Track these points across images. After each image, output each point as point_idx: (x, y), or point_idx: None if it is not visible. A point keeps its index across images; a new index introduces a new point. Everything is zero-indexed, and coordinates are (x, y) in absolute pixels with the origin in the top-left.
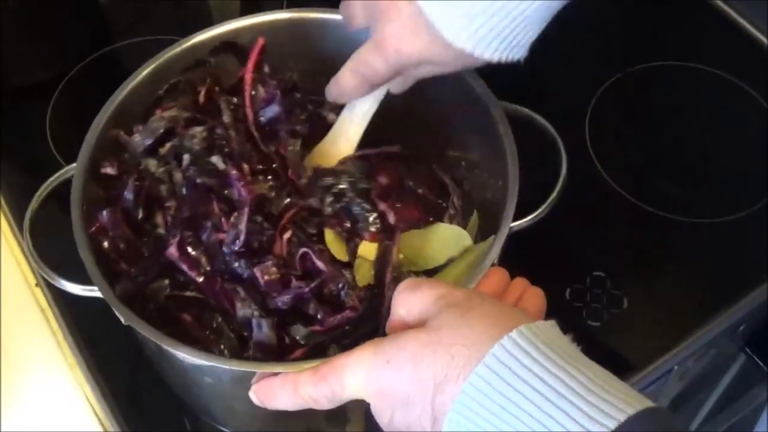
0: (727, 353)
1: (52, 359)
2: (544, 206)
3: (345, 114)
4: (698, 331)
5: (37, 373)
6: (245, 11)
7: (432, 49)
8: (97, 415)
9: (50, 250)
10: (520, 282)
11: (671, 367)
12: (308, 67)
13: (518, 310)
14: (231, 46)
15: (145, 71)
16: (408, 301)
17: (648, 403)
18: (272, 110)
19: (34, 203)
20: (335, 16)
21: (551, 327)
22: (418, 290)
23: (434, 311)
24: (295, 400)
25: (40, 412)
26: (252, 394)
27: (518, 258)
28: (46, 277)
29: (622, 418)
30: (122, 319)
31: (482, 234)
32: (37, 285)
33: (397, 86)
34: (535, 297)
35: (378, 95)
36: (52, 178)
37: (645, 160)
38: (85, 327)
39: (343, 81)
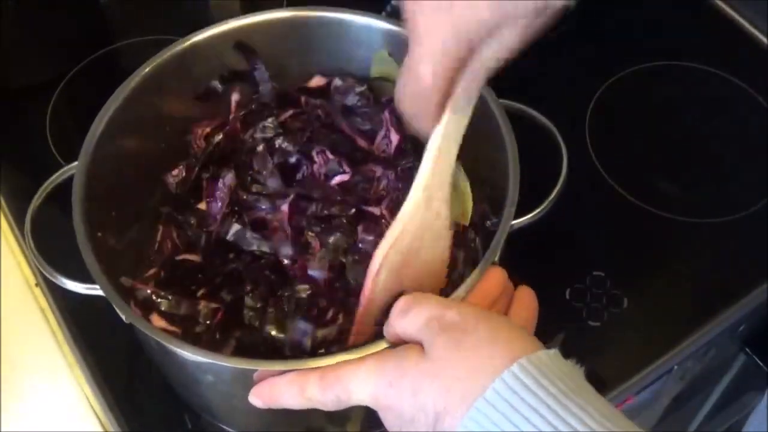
0: (727, 353)
1: (52, 359)
2: (544, 204)
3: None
4: (698, 331)
5: (37, 373)
6: (245, 11)
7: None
8: (97, 415)
9: (51, 248)
10: (509, 287)
11: (671, 367)
12: (308, 66)
13: (514, 333)
14: (241, 45)
15: (145, 70)
16: (402, 324)
17: None
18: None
19: (36, 201)
20: (335, 15)
21: (553, 356)
22: (410, 313)
23: (428, 335)
24: (301, 400)
25: (40, 412)
26: (253, 396)
27: (518, 257)
28: (48, 275)
29: None
30: (123, 317)
31: (484, 230)
32: (37, 285)
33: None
34: (525, 297)
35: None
36: (54, 176)
37: (645, 159)
38: (85, 327)
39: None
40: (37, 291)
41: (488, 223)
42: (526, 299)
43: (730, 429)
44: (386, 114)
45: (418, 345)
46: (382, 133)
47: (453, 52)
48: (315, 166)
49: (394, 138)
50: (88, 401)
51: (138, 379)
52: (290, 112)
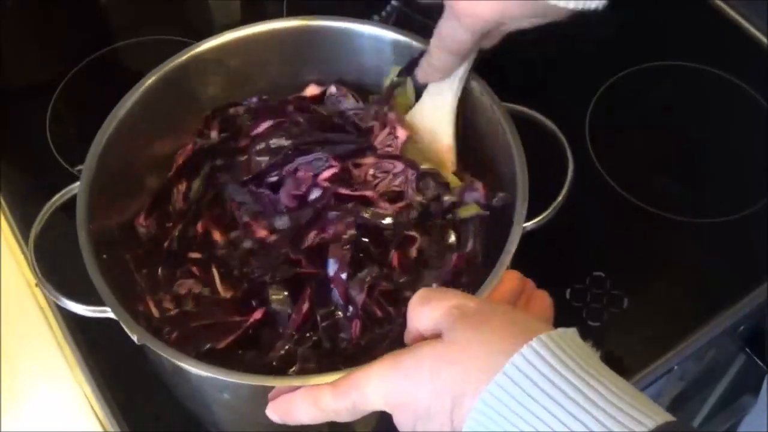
0: (727, 353)
1: (53, 359)
2: (551, 208)
3: (430, 101)
4: (698, 331)
5: (37, 373)
6: (245, 11)
7: (508, 5)
8: (97, 415)
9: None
10: (528, 285)
11: (671, 367)
12: (305, 76)
13: (531, 319)
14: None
15: (149, 80)
16: (421, 315)
17: (669, 417)
18: None
19: (36, 225)
20: (342, 24)
21: (572, 334)
22: (430, 303)
23: (447, 323)
24: (316, 413)
25: (40, 412)
26: (269, 411)
27: (518, 258)
28: (55, 300)
29: (643, 430)
30: (135, 339)
31: (494, 238)
32: (37, 285)
33: (487, 43)
34: (540, 299)
35: (462, 75)
36: (56, 197)
37: (645, 160)
38: (85, 327)
39: (435, 59)
40: (37, 291)
41: (494, 200)
42: (542, 301)
43: (730, 429)
44: (391, 115)
45: (435, 338)
46: (386, 130)
47: (485, 28)
48: (300, 173)
49: (402, 134)
50: (88, 401)
51: (138, 378)
52: (269, 123)
